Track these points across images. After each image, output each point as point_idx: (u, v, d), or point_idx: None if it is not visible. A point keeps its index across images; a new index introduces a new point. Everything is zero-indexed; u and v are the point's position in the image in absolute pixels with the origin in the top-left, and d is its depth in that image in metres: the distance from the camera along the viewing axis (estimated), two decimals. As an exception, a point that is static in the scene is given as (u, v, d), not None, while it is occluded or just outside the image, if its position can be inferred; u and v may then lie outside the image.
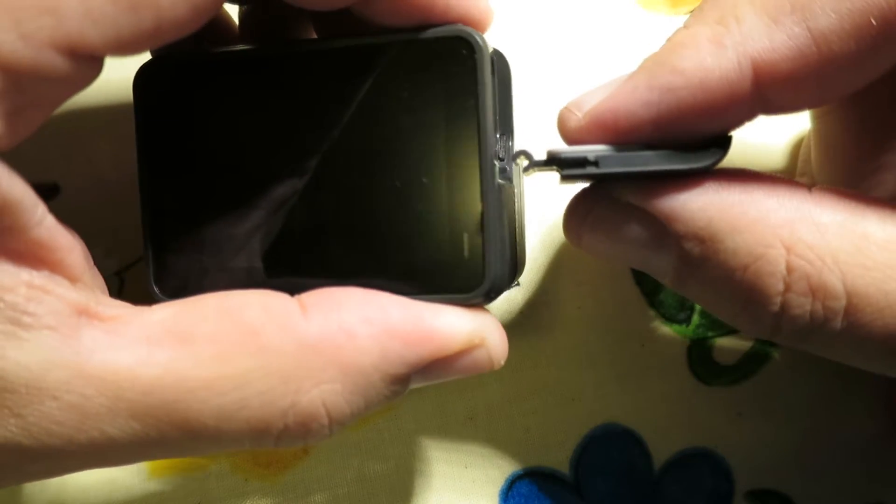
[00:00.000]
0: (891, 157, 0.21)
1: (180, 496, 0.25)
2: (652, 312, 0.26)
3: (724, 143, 0.18)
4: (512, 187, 0.19)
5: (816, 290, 0.16)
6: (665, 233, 0.18)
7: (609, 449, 0.26)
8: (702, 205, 0.17)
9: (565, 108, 0.18)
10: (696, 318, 0.26)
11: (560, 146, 0.18)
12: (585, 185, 0.20)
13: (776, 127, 0.27)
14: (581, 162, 0.18)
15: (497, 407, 0.26)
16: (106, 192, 0.26)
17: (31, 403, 0.15)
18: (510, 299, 0.26)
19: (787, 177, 0.23)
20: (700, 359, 0.26)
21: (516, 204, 0.20)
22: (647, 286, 0.26)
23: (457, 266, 0.19)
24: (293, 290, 0.19)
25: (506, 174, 0.19)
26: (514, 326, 0.26)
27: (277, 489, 0.25)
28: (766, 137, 0.27)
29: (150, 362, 0.16)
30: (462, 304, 0.19)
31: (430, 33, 0.18)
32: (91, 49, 0.15)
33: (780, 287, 0.16)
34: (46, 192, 0.26)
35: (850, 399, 0.26)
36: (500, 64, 0.19)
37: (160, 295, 0.21)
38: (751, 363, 0.26)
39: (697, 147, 0.17)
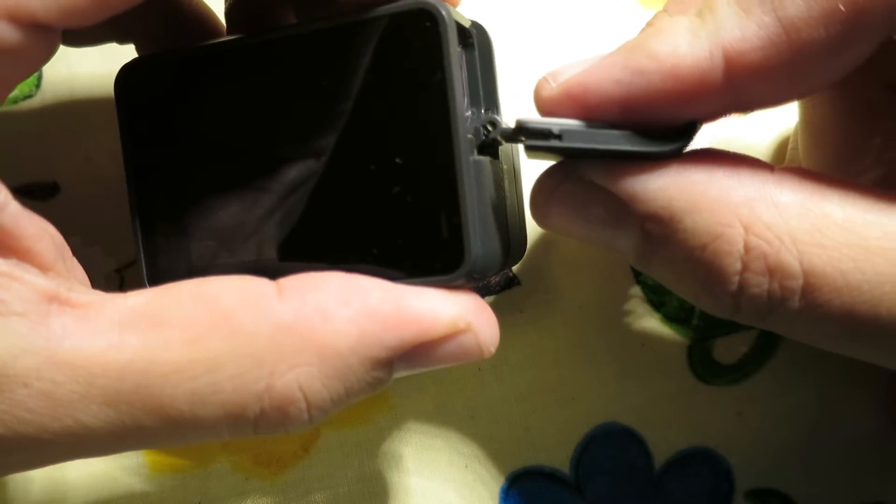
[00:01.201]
0: (878, 142, 0.21)
1: (180, 495, 0.25)
2: (652, 312, 0.26)
3: (689, 130, 0.17)
4: (499, 163, 0.19)
5: (774, 270, 0.16)
6: (627, 213, 0.18)
7: (609, 448, 0.26)
8: (662, 185, 0.17)
9: (543, 77, 0.18)
10: (696, 318, 0.26)
11: (530, 116, 0.18)
12: (553, 162, 0.20)
13: (761, 125, 0.27)
14: (545, 134, 0.17)
15: (497, 406, 0.26)
16: (105, 191, 0.25)
17: (1, 392, 0.15)
18: (511, 298, 0.26)
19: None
20: (700, 358, 0.26)
21: (506, 181, 0.20)
22: (648, 285, 0.26)
23: (436, 247, 0.18)
24: (271, 276, 0.18)
25: (490, 149, 0.18)
26: (515, 325, 0.26)
27: (278, 488, 0.25)
28: (751, 136, 0.27)
29: (121, 347, 0.16)
30: (445, 287, 0.18)
31: (393, 7, 0.18)
32: (32, 16, 0.15)
33: (738, 266, 0.16)
34: (45, 190, 0.26)
35: (850, 398, 0.26)
36: (480, 36, 0.19)
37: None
38: (751, 363, 0.26)
39: (664, 132, 0.17)
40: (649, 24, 0.18)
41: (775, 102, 0.18)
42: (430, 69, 0.18)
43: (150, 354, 0.16)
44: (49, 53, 0.16)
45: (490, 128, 0.18)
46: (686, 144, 0.17)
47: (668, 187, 0.17)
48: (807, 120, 0.23)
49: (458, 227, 0.18)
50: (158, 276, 0.21)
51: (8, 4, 0.15)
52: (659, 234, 0.17)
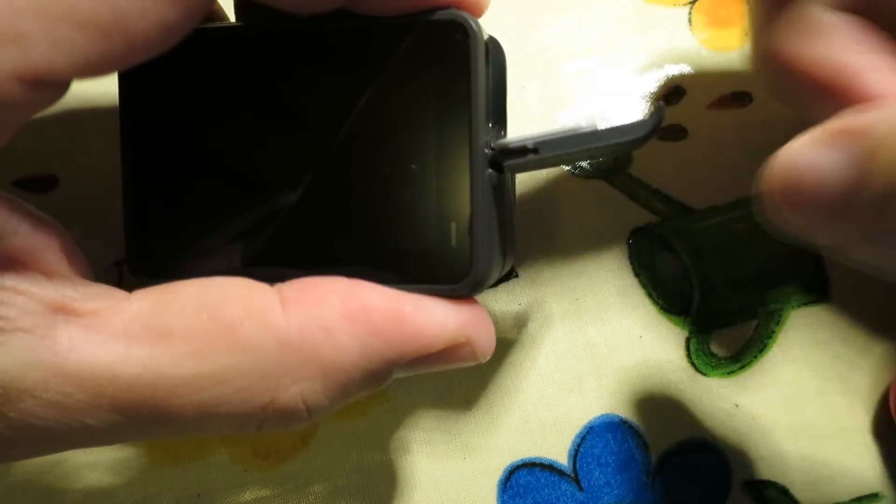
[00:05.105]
0: None
1: (180, 487, 0.25)
2: (650, 304, 0.26)
3: (658, 112, 0.17)
4: (503, 176, 0.19)
5: None
6: (864, 150, 0.15)
7: (607, 440, 0.26)
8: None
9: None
10: (694, 310, 0.26)
11: (508, 138, 0.18)
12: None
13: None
14: (523, 151, 0.18)
15: (496, 398, 0.26)
16: (104, 184, 0.26)
17: (10, 402, 0.15)
18: (509, 291, 0.26)
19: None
20: (698, 350, 0.26)
21: (507, 193, 0.20)
22: (646, 278, 0.26)
23: (444, 256, 0.18)
24: (276, 275, 0.18)
25: (497, 164, 0.19)
26: (513, 318, 0.26)
27: (277, 479, 0.25)
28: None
29: (128, 361, 0.16)
30: (448, 296, 0.18)
31: (424, 17, 0.18)
32: (57, 76, 0.15)
33: None
34: (44, 183, 0.26)
35: (847, 391, 0.26)
36: (495, 52, 0.19)
37: (143, 276, 0.20)
38: (748, 355, 0.26)
39: (634, 122, 0.18)
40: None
41: None
42: (455, 82, 0.18)
43: (157, 368, 0.16)
44: (63, 94, 0.16)
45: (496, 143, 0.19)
46: (659, 125, 0.17)
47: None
48: None
49: (467, 239, 0.18)
50: (146, 261, 0.20)
51: (37, 69, 0.14)
52: None
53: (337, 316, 0.17)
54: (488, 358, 0.19)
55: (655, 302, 0.26)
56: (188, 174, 0.20)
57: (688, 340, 0.26)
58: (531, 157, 0.18)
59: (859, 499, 0.26)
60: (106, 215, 0.25)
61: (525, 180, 0.26)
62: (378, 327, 0.17)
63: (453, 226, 0.18)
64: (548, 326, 0.26)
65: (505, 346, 0.26)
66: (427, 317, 0.18)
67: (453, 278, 0.18)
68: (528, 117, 0.26)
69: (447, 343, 0.18)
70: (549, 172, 0.26)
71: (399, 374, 0.18)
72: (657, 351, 0.26)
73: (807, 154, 0.16)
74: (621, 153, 0.18)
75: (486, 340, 0.19)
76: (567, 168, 0.26)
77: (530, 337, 0.26)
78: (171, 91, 0.20)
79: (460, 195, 0.18)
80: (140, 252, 0.20)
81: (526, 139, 0.18)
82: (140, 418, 0.16)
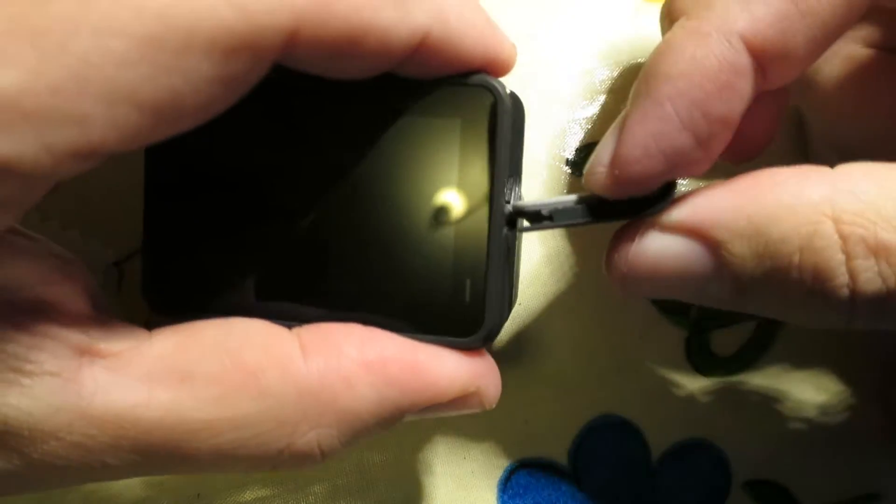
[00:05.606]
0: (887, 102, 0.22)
1: (179, 487, 0.25)
2: (650, 304, 0.26)
3: (667, 190, 0.18)
4: (514, 232, 0.20)
5: (878, 250, 0.16)
6: (710, 245, 0.18)
7: (607, 440, 0.26)
8: (735, 205, 0.17)
9: (588, 170, 0.19)
10: (694, 310, 0.26)
11: (524, 202, 0.19)
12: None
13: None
14: (537, 217, 0.19)
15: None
16: (105, 183, 0.25)
17: (34, 443, 0.16)
18: (509, 291, 0.26)
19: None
20: (698, 350, 0.26)
21: (517, 249, 0.21)
22: (646, 278, 0.26)
23: (457, 310, 0.19)
24: (293, 317, 0.19)
25: (511, 221, 0.19)
26: (513, 318, 0.26)
27: (277, 479, 0.25)
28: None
29: (151, 404, 0.16)
30: (459, 347, 0.19)
31: (455, 80, 0.18)
32: (109, 150, 0.15)
33: (841, 257, 0.16)
34: (45, 183, 0.26)
35: (846, 391, 0.26)
36: (515, 108, 0.19)
37: (156, 313, 0.20)
38: (748, 354, 0.26)
39: (643, 197, 0.18)
40: (651, 56, 0.18)
41: (795, 73, 0.18)
42: (480, 143, 0.19)
43: (179, 412, 0.16)
44: (98, 164, 0.16)
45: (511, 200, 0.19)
46: (667, 203, 0.18)
47: (740, 207, 0.17)
48: (814, 108, 0.23)
49: (481, 295, 0.19)
50: (162, 295, 0.21)
51: (92, 147, 0.14)
52: (749, 254, 0.17)
53: (355, 365, 0.18)
54: (493, 406, 0.20)
55: (655, 302, 0.26)
56: (209, 213, 0.20)
57: (688, 340, 0.26)
58: (545, 223, 0.19)
59: (859, 499, 0.26)
60: (106, 215, 0.25)
61: (526, 182, 0.26)
62: (394, 377, 0.18)
63: (468, 282, 0.19)
64: (548, 326, 0.26)
65: (505, 345, 0.26)
66: (440, 368, 0.18)
67: (466, 331, 0.19)
68: (527, 118, 0.26)
69: (458, 393, 0.19)
70: (548, 171, 0.26)
71: (409, 419, 0.19)
72: (657, 351, 0.26)
73: (659, 245, 0.18)
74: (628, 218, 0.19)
75: (493, 390, 0.19)
76: (566, 168, 0.26)
77: (530, 337, 0.26)
78: (196, 135, 0.20)
79: (476, 252, 0.19)
80: (157, 287, 0.20)
81: (541, 205, 0.19)
82: (158, 458, 0.17)
